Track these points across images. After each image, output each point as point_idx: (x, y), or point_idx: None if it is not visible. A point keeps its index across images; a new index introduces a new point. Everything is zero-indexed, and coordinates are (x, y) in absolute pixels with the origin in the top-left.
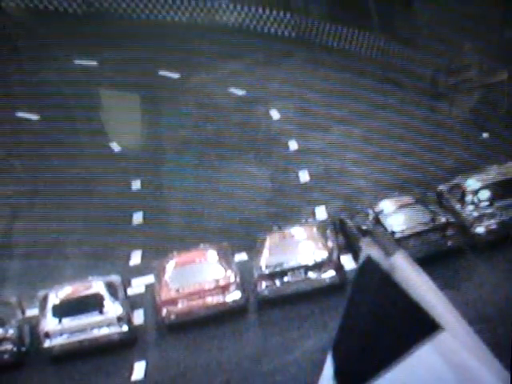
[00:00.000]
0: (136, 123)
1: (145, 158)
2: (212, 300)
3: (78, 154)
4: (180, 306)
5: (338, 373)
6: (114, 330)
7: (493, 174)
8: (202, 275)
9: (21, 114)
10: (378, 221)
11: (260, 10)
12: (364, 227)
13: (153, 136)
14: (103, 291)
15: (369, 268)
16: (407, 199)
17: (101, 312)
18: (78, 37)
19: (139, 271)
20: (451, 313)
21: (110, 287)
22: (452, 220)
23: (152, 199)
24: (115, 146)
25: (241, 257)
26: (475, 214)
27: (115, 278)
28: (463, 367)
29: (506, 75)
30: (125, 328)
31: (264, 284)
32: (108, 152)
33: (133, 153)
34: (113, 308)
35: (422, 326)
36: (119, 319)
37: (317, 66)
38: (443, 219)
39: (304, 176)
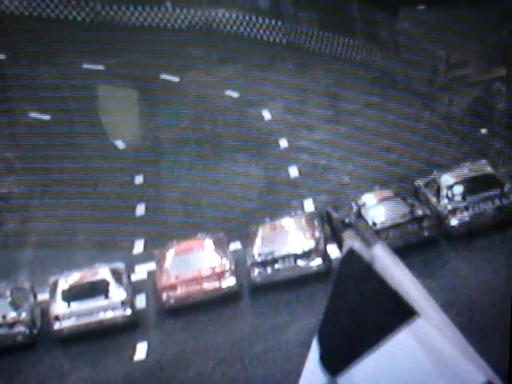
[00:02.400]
0: (139, 123)
1: (147, 156)
2: (209, 286)
3: (86, 151)
4: (179, 291)
5: (323, 356)
6: (118, 313)
7: (466, 170)
8: (199, 263)
9: (32, 114)
10: (359, 214)
11: (253, 18)
12: (347, 220)
13: (154, 135)
14: (109, 277)
15: (351, 258)
16: (387, 193)
17: (106, 297)
18: (87, 42)
19: (142, 259)
20: (427, 300)
21: (115, 274)
22: (428, 213)
23: (153, 193)
24: (120, 144)
25: (235, 246)
26: (449, 207)
27: (120, 265)
28: (438, 351)
29: (503, 71)
30: (128, 311)
31: (257, 271)
32: (113, 149)
33: (136, 150)
34: (117, 293)
35: (400, 313)
36: (123, 303)
37: (306, 70)
38: (420, 212)
39: (293, 172)
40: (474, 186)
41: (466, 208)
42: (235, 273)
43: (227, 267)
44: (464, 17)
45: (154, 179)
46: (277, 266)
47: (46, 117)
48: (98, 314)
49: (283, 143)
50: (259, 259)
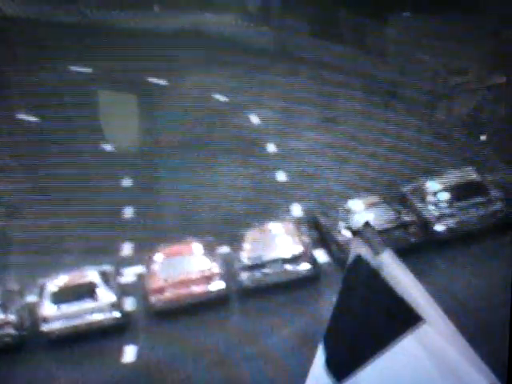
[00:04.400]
0: (126, 127)
1: (134, 159)
2: (197, 289)
3: (73, 153)
4: (168, 294)
5: (329, 361)
6: (107, 315)
7: (452, 177)
8: (188, 266)
9: (20, 116)
10: (367, 222)
11: (242, 23)
12: (354, 227)
13: (142, 138)
14: (97, 280)
15: (358, 265)
16: (374, 199)
17: (95, 299)
18: (74, 46)
19: (130, 262)
20: (433, 307)
21: (104, 276)
22: (414, 219)
23: (142, 196)
24: (107, 147)
25: (224, 249)
26: (436, 213)
27: (108, 268)
28: (443, 357)
29: (503, 78)
30: (117, 314)
31: (245, 275)
32: (100, 152)
33: (123, 153)
34: (106, 295)
35: (406, 319)
36: (112, 306)
37: (294, 75)
38: (406, 218)
39: (281, 176)
40: (460, 192)
41: (452, 214)
42: (224, 276)
43: (216, 271)
44: (450, 23)
45: (142, 182)
46: (265, 270)
47: (34, 119)
48: (86, 317)
49: (271, 148)
50: (248, 263)
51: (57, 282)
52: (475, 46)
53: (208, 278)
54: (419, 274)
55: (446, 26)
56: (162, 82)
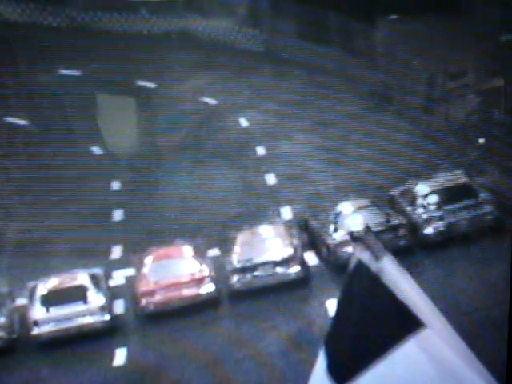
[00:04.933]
0: (115, 129)
1: (124, 161)
2: (188, 292)
3: (62, 156)
4: (158, 297)
5: (330, 366)
6: (97, 318)
7: (441, 180)
8: (178, 269)
9: (10, 119)
10: (368, 227)
11: (231, 25)
12: (355, 233)
13: (131, 141)
14: (87, 283)
15: (359, 271)
16: (363, 202)
17: (85, 302)
18: (62, 48)
19: (120, 264)
20: (433, 312)
21: (94, 279)
22: (403, 222)
23: (131, 199)
24: (96, 150)
25: (214, 252)
26: (424, 216)
27: (98, 271)
28: (444, 361)
29: (502, 81)
30: (107, 317)
31: (236, 278)
32: (90, 154)
33: (113, 156)
34: (96, 298)
35: (407, 324)
36: (102, 309)
37: (284, 78)
38: (396, 221)
39: (270, 179)
40: (449, 195)
41: (441, 217)
42: (214, 279)
43: (206, 273)
44: (437, 25)
45: (131, 185)
46: (256, 272)
47: (22, 122)
48: (76, 320)
49: (260, 151)
50: (238, 266)
51: (47, 284)
52: (466, 48)
53: (198, 281)
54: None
55: (432, 28)
56: (151, 84)
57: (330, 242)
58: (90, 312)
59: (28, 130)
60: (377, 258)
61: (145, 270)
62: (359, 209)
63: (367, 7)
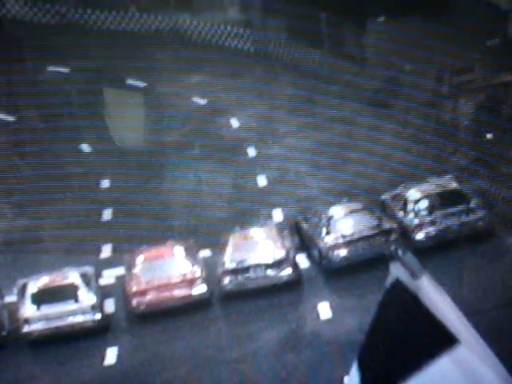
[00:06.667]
0: (104, 127)
1: (113, 160)
2: (179, 292)
3: (51, 153)
4: (149, 297)
5: (363, 381)
6: (87, 317)
7: (432, 185)
8: (169, 269)
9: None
10: (405, 248)
11: (222, 25)
12: (395, 251)
13: (121, 139)
14: (78, 281)
15: (397, 288)
16: (355, 205)
17: (76, 300)
18: (52, 45)
19: (110, 263)
20: (468, 329)
21: (84, 278)
22: (395, 226)
23: (122, 197)
24: (86, 148)
25: (205, 253)
26: (416, 221)
27: (89, 269)
28: (477, 377)
29: (510, 76)
30: (98, 316)
31: (227, 279)
32: (79, 152)
33: (102, 154)
34: (87, 297)
35: (442, 340)
36: (93, 307)
37: (274, 78)
38: (387, 225)
39: (262, 181)
40: (440, 200)
41: (432, 222)
42: (206, 280)
43: (198, 274)
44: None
45: (121, 184)
46: (247, 274)
47: (10, 118)
48: (67, 318)
49: (251, 152)
50: (230, 267)
51: (37, 282)
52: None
53: (190, 282)
54: None
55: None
56: (140, 83)
57: (321, 245)
58: (81, 311)
59: (16, 127)
60: (415, 276)
61: (136, 270)
62: (351, 212)
63: (358, 9)
